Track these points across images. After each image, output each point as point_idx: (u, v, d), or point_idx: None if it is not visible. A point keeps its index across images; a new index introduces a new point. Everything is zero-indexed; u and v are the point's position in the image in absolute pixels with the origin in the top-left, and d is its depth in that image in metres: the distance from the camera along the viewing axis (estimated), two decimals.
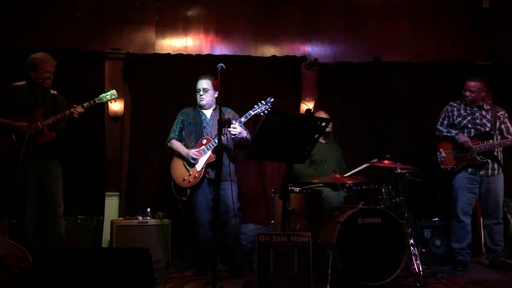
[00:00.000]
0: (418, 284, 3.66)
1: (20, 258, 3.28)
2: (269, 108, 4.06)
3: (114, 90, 4.15)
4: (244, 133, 4.19)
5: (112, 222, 4.64)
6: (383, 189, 4.09)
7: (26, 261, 3.27)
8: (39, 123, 3.83)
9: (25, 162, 3.76)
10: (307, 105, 5.39)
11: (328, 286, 3.47)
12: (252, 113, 4.13)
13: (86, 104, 3.96)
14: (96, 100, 4.05)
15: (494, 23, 5.67)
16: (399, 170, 4.21)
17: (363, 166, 4.57)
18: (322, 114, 4.76)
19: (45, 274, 3.02)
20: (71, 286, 2.97)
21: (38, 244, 3.85)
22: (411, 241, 3.89)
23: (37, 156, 3.85)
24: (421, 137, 5.20)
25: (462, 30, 5.71)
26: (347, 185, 4.24)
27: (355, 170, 4.61)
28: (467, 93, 4.57)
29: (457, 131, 4.54)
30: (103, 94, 4.11)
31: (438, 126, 4.69)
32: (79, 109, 3.90)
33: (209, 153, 4.21)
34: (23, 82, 3.98)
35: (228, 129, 4.05)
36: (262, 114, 4.07)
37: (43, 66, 3.90)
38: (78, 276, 3.01)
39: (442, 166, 4.60)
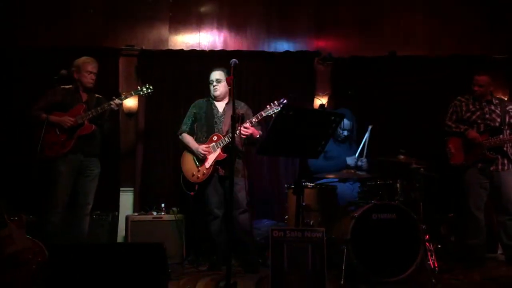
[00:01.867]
0: (434, 280, 3.62)
1: (36, 252, 3.33)
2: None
3: (150, 86, 4.39)
4: (256, 133, 4.17)
5: (127, 218, 4.69)
6: (398, 185, 4.05)
7: (42, 256, 3.31)
8: (82, 118, 4.05)
9: (66, 156, 3.99)
10: (320, 100, 5.37)
11: (342, 282, 3.46)
12: (264, 114, 4.09)
13: (123, 96, 4.23)
14: (133, 93, 4.32)
15: None
16: (414, 165, 4.16)
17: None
18: None
19: (61, 269, 3.05)
20: (87, 281, 3.00)
21: (59, 238, 3.93)
22: (426, 236, 3.85)
23: (77, 150, 4.04)
24: (436, 131, 5.12)
25: (478, 23, 5.62)
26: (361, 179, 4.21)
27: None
28: (476, 88, 4.50)
29: (466, 127, 4.47)
30: (140, 88, 4.36)
31: (447, 122, 4.62)
32: (117, 101, 4.14)
33: (218, 150, 4.19)
34: (69, 86, 4.20)
35: (240, 127, 4.03)
36: (273, 116, 4.02)
37: (84, 66, 4.16)
38: (93, 271, 3.03)
39: (452, 162, 4.54)
